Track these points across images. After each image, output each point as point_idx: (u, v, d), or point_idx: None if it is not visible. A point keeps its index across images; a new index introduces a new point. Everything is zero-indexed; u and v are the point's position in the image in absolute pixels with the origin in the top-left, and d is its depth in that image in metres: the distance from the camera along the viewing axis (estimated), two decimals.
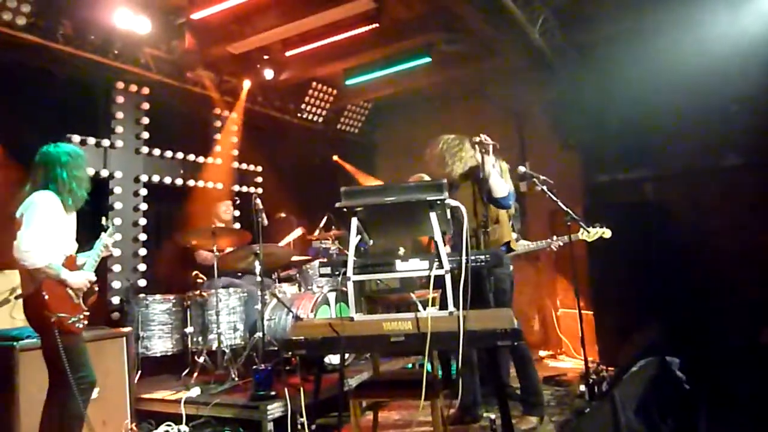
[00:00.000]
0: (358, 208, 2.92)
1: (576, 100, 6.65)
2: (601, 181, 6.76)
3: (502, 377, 2.86)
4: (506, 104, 7.41)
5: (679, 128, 5.94)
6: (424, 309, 3.40)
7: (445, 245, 2.89)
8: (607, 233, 4.55)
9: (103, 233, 3.56)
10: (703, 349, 4.66)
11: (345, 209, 2.93)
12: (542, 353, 6.74)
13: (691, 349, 4.47)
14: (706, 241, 5.65)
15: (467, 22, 5.77)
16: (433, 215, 2.86)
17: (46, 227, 3.13)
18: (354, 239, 2.93)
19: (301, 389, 3.77)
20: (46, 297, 3.08)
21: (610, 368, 5.02)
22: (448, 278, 2.80)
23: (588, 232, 4.49)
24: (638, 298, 5.46)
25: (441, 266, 2.82)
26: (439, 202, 2.85)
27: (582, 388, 4.55)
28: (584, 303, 4.37)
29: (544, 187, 4.24)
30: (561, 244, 4.56)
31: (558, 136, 7.10)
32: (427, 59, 6.61)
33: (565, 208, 4.17)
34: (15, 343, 3.56)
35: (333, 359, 4.61)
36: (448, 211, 3.02)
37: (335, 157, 8.45)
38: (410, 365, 5.45)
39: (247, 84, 6.71)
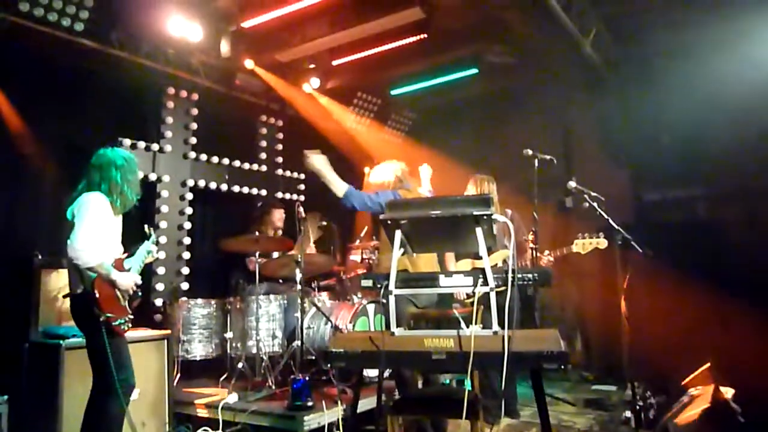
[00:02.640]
0: (403, 221, 2.87)
1: (627, 114, 6.46)
2: (651, 199, 6.54)
3: (544, 399, 2.75)
4: (553, 117, 7.26)
5: (734, 146, 5.72)
6: (467, 326, 3.31)
7: None
8: (603, 243, 4.37)
9: (146, 241, 3.60)
10: (758, 379, 4.43)
11: (389, 221, 2.88)
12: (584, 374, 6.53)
13: (746, 379, 4.27)
14: (762, 263, 5.40)
15: (517, 34, 5.69)
16: (479, 230, 2.79)
17: (97, 226, 3.19)
18: (397, 252, 2.88)
19: (339, 401, 3.74)
20: (97, 295, 3.12)
21: (656, 394, 4.82)
22: (493, 296, 2.71)
23: (592, 243, 4.33)
24: (689, 323, 5.24)
25: (486, 283, 2.74)
26: (485, 217, 2.77)
27: (627, 414, 4.38)
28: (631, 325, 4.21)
29: (595, 204, 4.11)
30: (552, 259, 4.44)
31: (606, 151, 6.90)
32: (475, 70, 6.54)
33: (616, 227, 4.03)
34: (61, 342, 3.64)
35: (370, 372, 4.55)
36: (494, 227, 2.94)
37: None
38: (447, 381, 5.34)
39: (307, 88, 6.75)
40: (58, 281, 4.16)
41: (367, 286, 3.01)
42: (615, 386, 5.76)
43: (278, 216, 6.01)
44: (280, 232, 6.27)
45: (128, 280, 3.32)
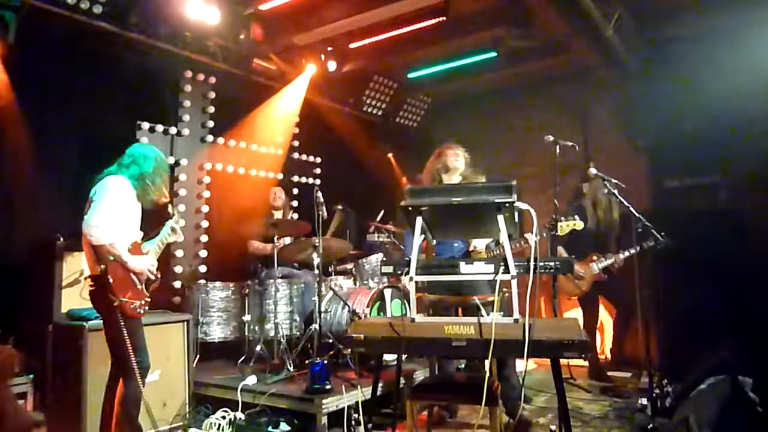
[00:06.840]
0: (424, 208, 2.86)
1: (648, 100, 6.38)
2: (670, 186, 6.47)
3: (563, 387, 2.75)
4: (572, 102, 7.17)
5: (757, 133, 5.62)
6: (487, 314, 3.32)
7: None
8: (579, 225, 4.28)
9: (169, 220, 3.62)
10: None
11: (410, 208, 2.88)
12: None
13: (765, 368, 4.24)
14: None
15: (538, 17, 5.60)
16: (500, 218, 2.78)
17: (115, 208, 3.21)
18: (418, 239, 2.88)
19: (359, 386, 3.77)
20: (111, 280, 3.15)
21: (672, 382, 4.81)
22: (514, 283, 2.71)
23: (569, 225, 4.23)
24: (708, 311, 5.20)
25: (507, 270, 2.74)
26: (507, 204, 2.76)
27: (644, 401, 4.37)
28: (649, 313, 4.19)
29: (615, 191, 4.07)
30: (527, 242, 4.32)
31: (626, 136, 6.82)
32: (493, 54, 6.47)
33: (636, 214, 4.00)
34: (85, 323, 3.69)
35: (388, 356, 4.58)
36: (516, 214, 2.93)
37: (390, 155, 8.39)
38: (462, 365, 5.36)
39: (310, 68, 6.66)
40: (80, 263, 4.20)
41: (387, 273, 3.02)
42: (630, 373, 5.75)
43: (272, 196, 5.92)
44: (294, 215, 6.30)
45: (142, 263, 3.33)
